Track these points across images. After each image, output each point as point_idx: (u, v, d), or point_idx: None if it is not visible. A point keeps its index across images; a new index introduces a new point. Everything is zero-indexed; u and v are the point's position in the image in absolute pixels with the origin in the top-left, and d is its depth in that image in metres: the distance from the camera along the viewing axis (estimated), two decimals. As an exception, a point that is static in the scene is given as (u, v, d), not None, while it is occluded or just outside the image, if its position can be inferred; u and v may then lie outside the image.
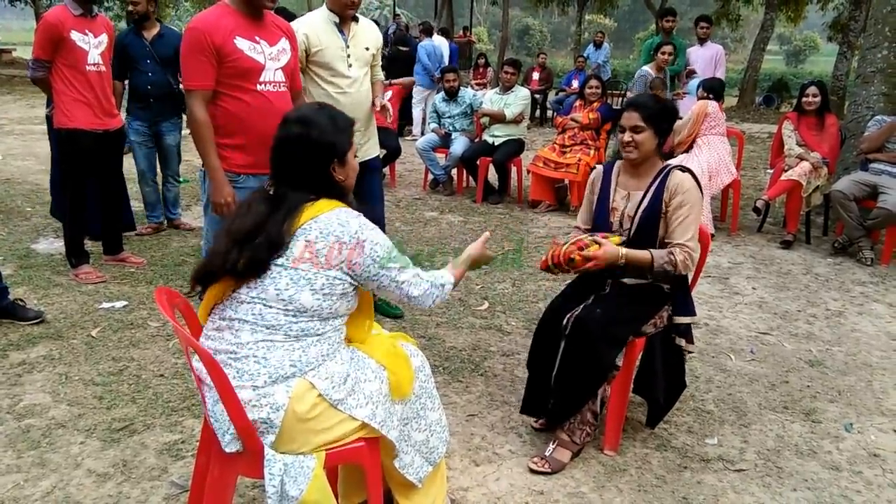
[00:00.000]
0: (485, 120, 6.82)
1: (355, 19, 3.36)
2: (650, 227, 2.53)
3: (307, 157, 1.80)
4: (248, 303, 1.74)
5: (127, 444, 2.56)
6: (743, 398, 3.09)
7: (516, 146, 6.69)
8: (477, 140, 6.92)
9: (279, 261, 1.72)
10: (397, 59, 10.08)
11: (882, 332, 3.88)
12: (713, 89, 5.94)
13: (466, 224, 5.95)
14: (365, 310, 1.98)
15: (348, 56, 3.31)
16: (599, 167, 2.77)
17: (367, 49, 3.40)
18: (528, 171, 6.57)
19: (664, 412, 2.73)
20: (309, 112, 1.86)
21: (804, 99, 5.48)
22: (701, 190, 2.58)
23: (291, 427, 1.70)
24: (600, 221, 2.66)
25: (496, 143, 6.65)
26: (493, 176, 6.94)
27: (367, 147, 3.54)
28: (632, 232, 2.56)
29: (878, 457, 2.67)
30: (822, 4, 18.60)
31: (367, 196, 3.53)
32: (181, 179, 5.56)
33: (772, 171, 5.80)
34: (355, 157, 1.93)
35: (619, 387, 2.57)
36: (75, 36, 3.93)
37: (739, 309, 4.19)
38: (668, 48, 6.53)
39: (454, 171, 7.14)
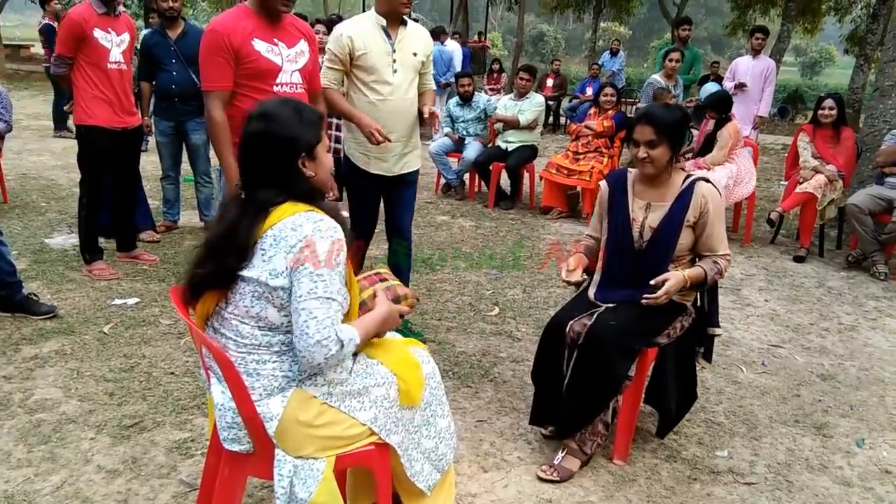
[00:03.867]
0: (498, 126, 6.82)
1: (404, 23, 3.21)
2: (669, 237, 2.53)
3: (271, 152, 1.71)
4: (227, 318, 1.73)
5: (137, 440, 2.57)
6: (754, 411, 3.07)
7: (529, 152, 6.69)
8: (490, 145, 6.92)
9: (245, 273, 1.67)
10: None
11: (895, 348, 3.85)
12: (719, 104, 5.79)
13: (478, 229, 5.94)
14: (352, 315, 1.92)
15: (394, 61, 3.16)
16: (603, 183, 2.75)
17: (415, 55, 3.23)
18: (541, 178, 6.57)
19: (675, 423, 2.71)
20: (271, 106, 1.77)
21: (820, 111, 5.45)
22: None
23: (298, 434, 1.70)
24: (619, 234, 2.64)
25: (509, 149, 6.65)
26: (505, 181, 6.93)
27: (409, 158, 3.37)
28: (649, 242, 2.56)
29: (890, 473, 2.64)
30: (839, 17, 18.52)
31: (398, 208, 3.44)
32: (184, 178, 5.55)
33: (786, 182, 5.77)
34: (330, 151, 1.84)
35: (630, 397, 2.56)
36: (98, 34, 3.96)
37: (752, 321, 4.17)
38: (675, 55, 6.49)
39: (466, 176, 7.14)
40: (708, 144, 5.69)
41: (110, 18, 4.03)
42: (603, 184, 2.78)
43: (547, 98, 12.65)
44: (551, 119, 12.76)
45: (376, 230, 3.55)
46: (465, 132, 7.07)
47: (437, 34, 11.35)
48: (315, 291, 1.64)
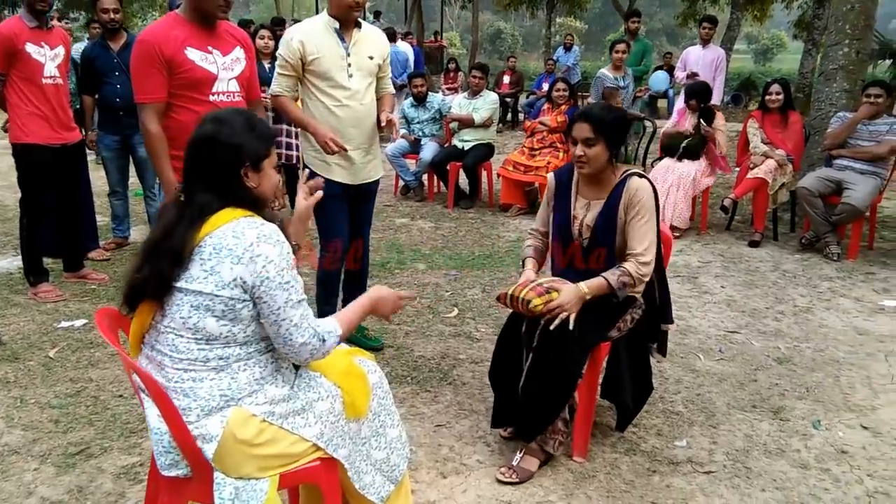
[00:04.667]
0: (454, 125, 6.79)
1: (358, 25, 3.09)
2: (605, 236, 2.52)
3: (214, 157, 1.67)
4: (163, 332, 1.67)
5: (83, 468, 2.48)
6: (712, 398, 3.08)
7: (486, 150, 6.68)
8: (447, 145, 6.89)
9: (180, 283, 1.62)
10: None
11: (849, 327, 3.91)
12: (699, 94, 5.82)
13: (438, 230, 5.91)
14: None
15: (349, 65, 3.04)
16: (551, 175, 2.74)
17: (371, 58, 3.12)
18: (499, 175, 6.56)
19: (633, 416, 2.71)
20: (226, 113, 1.75)
21: (767, 97, 5.53)
22: (657, 196, 2.56)
23: (237, 454, 1.64)
24: (562, 231, 2.64)
25: (466, 148, 6.63)
26: (463, 181, 6.91)
27: (370, 168, 3.27)
28: (587, 241, 2.55)
29: (846, 453, 2.67)
30: (786, 3, 18.87)
31: (358, 218, 3.36)
32: (134, 192, 5.41)
33: (738, 169, 5.84)
34: (276, 168, 1.80)
35: (585, 392, 2.54)
36: (31, 48, 3.84)
37: (708, 308, 4.20)
38: (620, 46, 6.54)
39: (425, 177, 7.10)
40: (699, 134, 5.72)
41: (42, 32, 3.90)
42: (550, 176, 2.76)
43: (504, 95, 12.71)
44: (509, 116, 12.78)
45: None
46: (420, 133, 7.03)
47: (390, 36, 11.27)
48: (290, 300, 1.66)
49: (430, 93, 7.09)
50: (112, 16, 4.62)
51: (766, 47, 48.95)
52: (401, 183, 7.19)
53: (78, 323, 3.73)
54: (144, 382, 1.59)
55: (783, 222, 5.91)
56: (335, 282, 3.40)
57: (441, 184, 7.00)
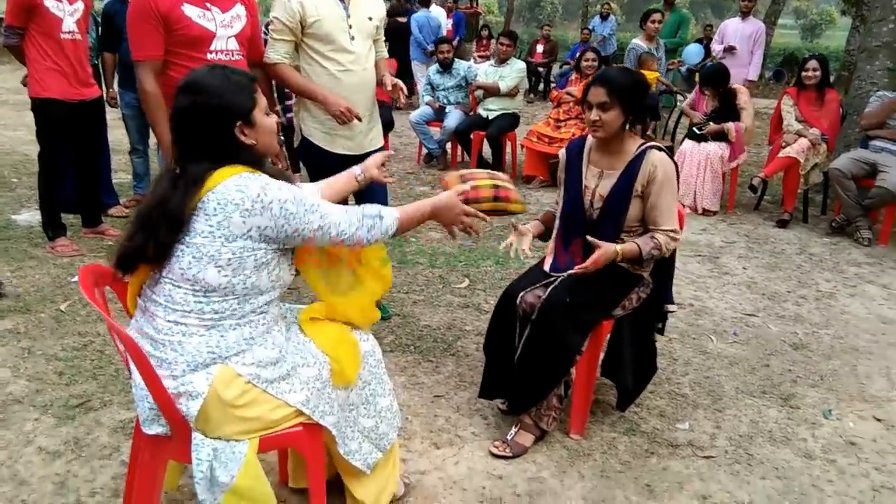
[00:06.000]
0: (479, 93, 6.67)
1: None
2: (618, 207, 2.44)
3: (203, 125, 1.63)
4: (160, 283, 1.65)
5: (82, 421, 2.51)
6: (720, 382, 3.00)
7: (511, 120, 6.55)
8: (472, 113, 6.78)
9: (188, 239, 1.60)
10: (393, 31, 9.86)
11: (873, 315, 3.78)
12: (714, 79, 5.64)
13: (457, 199, 5.83)
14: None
15: (350, 27, 2.90)
16: (563, 151, 2.66)
17: (370, 19, 3.00)
18: (523, 146, 6.44)
19: (634, 396, 2.64)
20: (198, 76, 1.68)
21: (804, 73, 5.31)
22: (678, 169, 2.48)
23: (219, 413, 1.63)
24: (572, 201, 2.56)
25: (490, 117, 6.52)
26: (487, 151, 6.81)
27: (372, 136, 3.16)
28: (599, 211, 2.47)
29: (855, 445, 2.58)
30: (836, -24, 18.14)
31: (375, 192, 3.16)
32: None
33: (771, 147, 5.66)
34: (269, 115, 1.74)
35: (584, 370, 2.49)
36: (49, 3, 3.82)
37: (727, 289, 4.09)
38: (656, 16, 6.33)
39: (449, 146, 7.01)
40: (722, 114, 5.55)
41: (62, -14, 3.88)
42: (562, 151, 2.69)
43: (537, 64, 12.51)
44: (541, 86, 12.55)
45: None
46: (445, 100, 6.92)
47: (424, 1, 11.11)
48: (322, 211, 1.71)
49: (456, 59, 6.96)
50: None
51: (814, 23, 47.28)
52: (424, 151, 7.11)
53: (91, 278, 3.76)
54: (124, 343, 1.58)
55: (814, 204, 5.73)
56: None
57: (465, 153, 6.91)
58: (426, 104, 6.97)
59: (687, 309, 3.76)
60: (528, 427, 2.45)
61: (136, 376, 1.64)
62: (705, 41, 10.94)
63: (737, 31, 6.89)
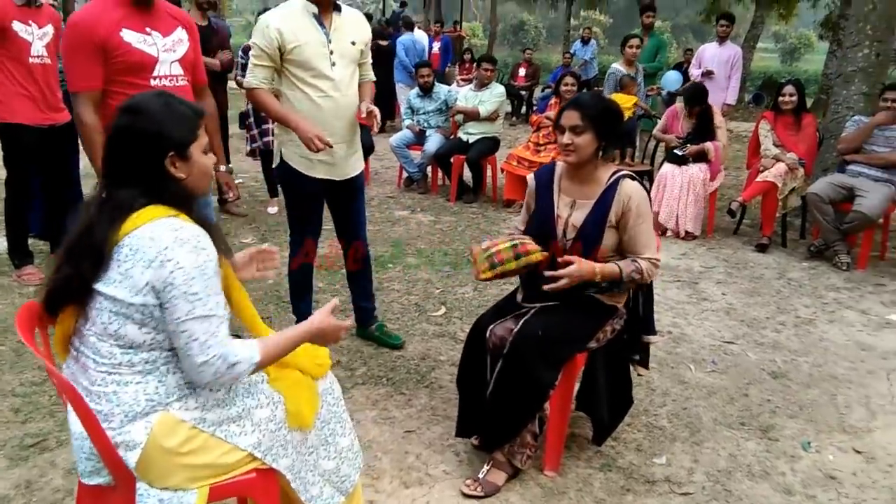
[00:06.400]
0: (459, 117, 6.66)
1: (337, 9, 2.91)
2: (592, 238, 2.38)
3: (134, 149, 1.55)
4: (86, 335, 1.56)
5: (35, 462, 2.41)
6: (699, 413, 2.94)
7: (491, 144, 6.53)
8: (452, 137, 6.76)
9: (101, 287, 1.51)
10: (375, 54, 9.84)
11: (851, 342, 3.74)
12: (696, 98, 5.67)
13: (437, 224, 5.79)
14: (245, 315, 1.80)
15: (331, 53, 2.87)
16: (531, 176, 2.62)
17: (353, 43, 2.95)
18: (502, 170, 6.42)
19: (610, 430, 2.58)
20: (142, 99, 1.61)
21: (780, 98, 5.33)
22: (650, 194, 2.45)
23: (163, 463, 1.54)
24: (543, 230, 2.51)
25: (470, 141, 6.49)
26: (468, 175, 6.78)
27: (354, 160, 3.12)
28: (572, 242, 2.42)
29: (835, 479, 2.52)
30: (813, 2, 18.45)
31: (353, 219, 3.23)
32: None
33: (749, 171, 5.66)
34: (206, 153, 1.66)
35: (558, 404, 2.42)
36: (17, 26, 3.77)
37: (706, 316, 4.05)
38: (633, 41, 6.36)
39: (429, 169, 6.97)
40: (700, 134, 5.58)
41: (31, 10, 3.83)
42: (531, 177, 2.64)
43: (519, 88, 12.57)
44: (523, 109, 12.59)
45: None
46: (426, 124, 6.89)
47: (408, 25, 11.16)
48: (193, 312, 1.50)
49: (436, 83, 6.95)
50: None
51: (793, 47, 48.04)
52: (404, 175, 7.07)
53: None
54: (62, 387, 1.49)
55: (793, 228, 5.72)
56: (307, 277, 3.30)
57: (445, 177, 6.87)
58: (406, 128, 6.95)
59: (665, 336, 3.71)
60: (501, 465, 2.37)
61: (73, 425, 1.56)
62: (685, 65, 11.06)
63: (714, 56, 6.94)
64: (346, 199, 3.20)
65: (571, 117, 2.36)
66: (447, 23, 19.11)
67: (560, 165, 2.55)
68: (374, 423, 2.74)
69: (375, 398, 2.93)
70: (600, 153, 2.42)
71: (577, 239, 2.41)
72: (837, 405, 3.06)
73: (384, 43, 10.33)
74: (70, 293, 1.56)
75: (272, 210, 5.85)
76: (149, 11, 2.54)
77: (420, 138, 6.84)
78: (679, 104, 5.92)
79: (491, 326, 2.40)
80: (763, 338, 3.76)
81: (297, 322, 3.26)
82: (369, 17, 14.60)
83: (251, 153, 5.77)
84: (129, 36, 2.46)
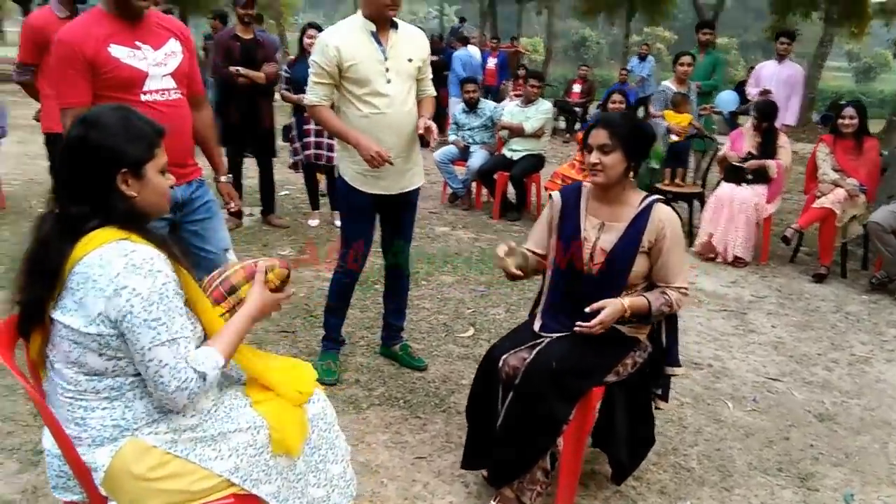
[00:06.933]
0: (504, 133, 6.56)
1: (395, 26, 2.91)
2: (622, 263, 2.26)
3: (84, 163, 1.50)
4: (51, 359, 1.53)
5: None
6: (732, 455, 2.75)
7: (535, 161, 6.41)
8: (496, 154, 6.67)
9: (56, 316, 1.46)
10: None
11: (910, 384, 3.47)
12: (766, 114, 5.41)
13: (476, 241, 5.69)
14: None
15: (387, 70, 2.87)
16: (556, 194, 2.50)
17: (410, 60, 2.94)
18: (546, 189, 6.28)
19: (630, 470, 2.42)
20: (100, 111, 1.57)
21: (840, 121, 5.05)
22: (683, 219, 2.31)
23: (136, 489, 1.49)
24: (564, 252, 2.39)
25: (515, 158, 6.39)
26: (512, 192, 6.67)
27: (411, 176, 3.10)
28: (600, 266, 2.29)
29: (879, 538, 2.31)
30: (887, 20, 17.65)
31: (396, 232, 3.22)
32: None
33: (807, 196, 5.38)
34: (162, 173, 1.61)
35: (572, 440, 2.27)
36: None
37: (752, 349, 3.82)
38: (685, 58, 6.13)
39: (474, 185, 6.89)
40: (763, 152, 5.34)
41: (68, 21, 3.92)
42: (556, 195, 2.53)
43: (573, 104, 12.39)
44: (577, 125, 12.40)
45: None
46: (471, 140, 6.82)
47: (462, 40, 11.18)
48: (158, 338, 1.46)
49: (481, 99, 6.88)
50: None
51: (867, 66, 46.25)
52: (449, 190, 7.00)
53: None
54: (37, 408, 1.46)
55: (855, 258, 5.40)
56: (348, 292, 3.25)
57: (489, 194, 6.78)
58: (451, 143, 6.89)
59: (705, 370, 3.51)
60: (509, 501, 2.25)
61: (45, 441, 1.53)
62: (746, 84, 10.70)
63: (773, 75, 6.64)
64: (397, 212, 3.18)
65: (599, 136, 2.27)
66: (504, 39, 19.14)
67: (587, 186, 2.44)
68: (385, 447, 2.66)
69: (390, 420, 2.85)
70: (630, 174, 2.31)
71: (607, 264, 2.29)
72: (889, 454, 2.82)
73: (435, 58, 10.33)
74: (32, 318, 1.53)
75: (313, 223, 5.86)
76: (139, 25, 2.48)
77: (464, 154, 6.77)
78: (745, 125, 5.66)
79: (504, 356, 2.29)
80: (812, 376, 3.51)
81: (324, 337, 3.27)
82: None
83: (293, 166, 5.81)
84: (117, 51, 2.41)
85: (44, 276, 1.47)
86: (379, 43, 2.88)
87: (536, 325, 2.40)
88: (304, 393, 1.79)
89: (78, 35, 2.39)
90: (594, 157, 2.27)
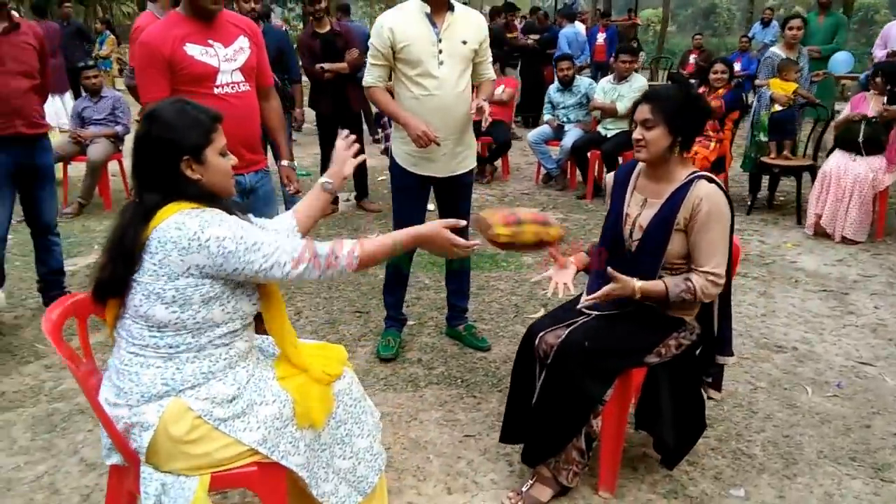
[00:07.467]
0: (596, 113, 6.40)
1: (451, 8, 2.95)
2: (657, 240, 2.20)
3: (151, 155, 1.67)
4: (124, 318, 1.70)
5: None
6: (801, 443, 2.59)
7: (628, 138, 6.19)
8: (591, 132, 6.52)
9: (137, 277, 1.64)
10: (524, 49, 9.81)
11: None
12: (892, 75, 4.94)
13: (564, 222, 5.61)
14: (275, 314, 1.84)
15: (439, 52, 2.92)
16: (610, 175, 2.48)
17: (465, 43, 2.97)
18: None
19: (678, 454, 2.35)
20: (160, 107, 1.72)
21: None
22: (731, 203, 2.19)
23: (168, 448, 1.65)
24: (610, 230, 2.37)
25: (608, 136, 6.22)
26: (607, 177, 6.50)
27: (461, 159, 3.15)
28: (637, 243, 2.24)
29: (957, 537, 2.11)
30: None
31: (452, 215, 3.29)
32: (303, 172, 5.71)
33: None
34: (223, 155, 1.76)
35: (611, 420, 2.24)
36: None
37: (847, 332, 3.55)
38: (795, 22, 5.68)
39: (569, 165, 6.78)
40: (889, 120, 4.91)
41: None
42: (610, 175, 2.50)
43: (689, 76, 11.79)
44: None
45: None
46: (565, 118, 6.71)
47: (571, 16, 10.95)
48: (267, 254, 1.66)
49: (577, 76, 6.74)
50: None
51: None
52: (543, 171, 6.94)
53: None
54: (78, 382, 1.65)
55: None
56: (399, 273, 3.34)
57: (582, 175, 6.63)
58: (546, 122, 6.81)
59: (788, 353, 3.31)
60: (546, 480, 2.25)
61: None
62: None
63: (903, 35, 6.04)
64: (451, 195, 3.24)
65: (643, 111, 2.22)
66: (621, 12, 18.45)
67: (640, 164, 2.38)
68: (437, 424, 2.73)
69: (445, 399, 2.91)
70: (676, 149, 2.23)
71: (642, 241, 2.24)
72: None
73: (535, 37, 10.21)
74: (110, 288, 1.72)
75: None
76: (211, 25, 2.72)
77: (559, 133, 6.68)
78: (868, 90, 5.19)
79: (541, 333, 2.29)
80: (912, 361, 3.23)
81: (386, 316, 3.38)
82: (536, 9, 14.50)
83: (385, 151, 5.98)
84: (191, 49, 2.65)
85: (124, 256, 1.65)
86: (434, 25, 2.92)
87: (581, 303, 2.38)
88: (332, 374, 1.88)
89: (157, 37, 2.64)
90: (637, 133, 2.22)
